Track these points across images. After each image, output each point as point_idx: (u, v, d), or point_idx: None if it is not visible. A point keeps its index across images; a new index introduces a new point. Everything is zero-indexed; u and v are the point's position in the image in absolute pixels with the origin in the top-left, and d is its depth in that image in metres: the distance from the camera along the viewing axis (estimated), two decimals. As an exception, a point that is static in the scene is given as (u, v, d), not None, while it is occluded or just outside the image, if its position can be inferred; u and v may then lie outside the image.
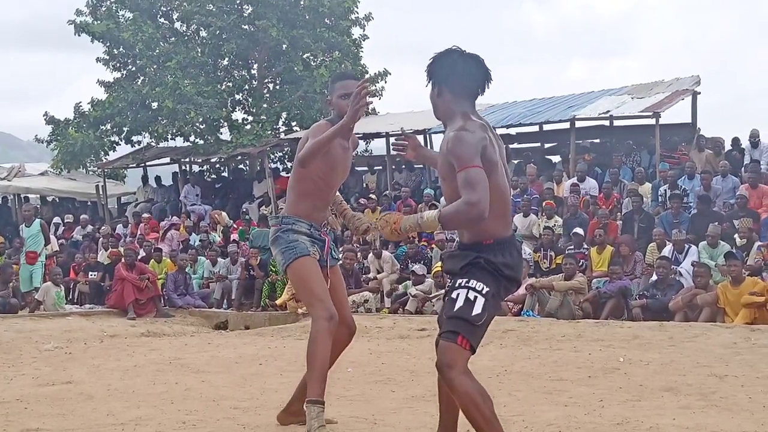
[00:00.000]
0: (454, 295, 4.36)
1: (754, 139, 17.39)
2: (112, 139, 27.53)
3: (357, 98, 5.15)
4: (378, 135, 22.90)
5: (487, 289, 4.31)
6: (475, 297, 4.29)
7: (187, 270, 17.59)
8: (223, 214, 21.61)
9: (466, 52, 4.50)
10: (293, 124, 28.38)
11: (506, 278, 4.40)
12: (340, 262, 6.33)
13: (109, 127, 27.25)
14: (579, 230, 15.21)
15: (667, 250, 13.93)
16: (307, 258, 5.49)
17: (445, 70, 4.48)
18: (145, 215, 22.73)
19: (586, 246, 15.02)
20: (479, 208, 4.11)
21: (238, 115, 28.00)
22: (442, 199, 16.52)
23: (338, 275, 5.85)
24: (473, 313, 4.26)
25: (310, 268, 5.49)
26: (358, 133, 27.91)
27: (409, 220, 4.34)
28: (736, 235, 13.87)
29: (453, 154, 4.24)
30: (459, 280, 4.38)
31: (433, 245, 16.12)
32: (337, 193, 6.11)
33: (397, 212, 4.47)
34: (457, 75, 4.46)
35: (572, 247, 14.94)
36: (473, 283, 4.33)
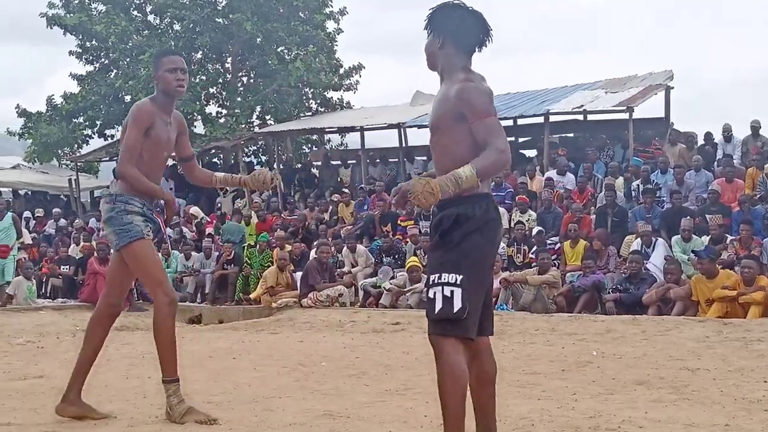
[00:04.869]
0: (431, 295, 4.16)
1: (727, 134, 17.50)
2: (85, 132, 27.37)
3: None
4: (352, 129, 22.82)
5: (461, 276, 4.10)
6: (452, 291, 4.08)
7: (160, 264, 17.49)
8: (195, 207, 21.48)
9: (472, 8, 4.41)
10: (267, 117, 28.35)
11: (490, 229, 4.22)
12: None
13: (81, 120, 27.10)
14: (539, 228, 15.39)
15: (636, 243, 13.99)
16: (142, 241, 5.64)
17: (452, 22, 4.36)
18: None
19: (551, 242, 15.07)
20: (508, 155, 4.13)
21: (212, 109, 27.98)
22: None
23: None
24: (455, 310, 4.07)
25: (146, 251, 5.67)
26: (332, 128, 27.33)
27: (447, 183, 4.00)
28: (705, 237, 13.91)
29: (468, 104, 4.16)
30: (431, 277, 4.19)
31: (408, 239, 16.10)
32: (221, 173, 6.29)
33: (427, 178, 4.04)
34: (463, 30, 4.37)
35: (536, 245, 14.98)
36: (445, 276, 4.12)
